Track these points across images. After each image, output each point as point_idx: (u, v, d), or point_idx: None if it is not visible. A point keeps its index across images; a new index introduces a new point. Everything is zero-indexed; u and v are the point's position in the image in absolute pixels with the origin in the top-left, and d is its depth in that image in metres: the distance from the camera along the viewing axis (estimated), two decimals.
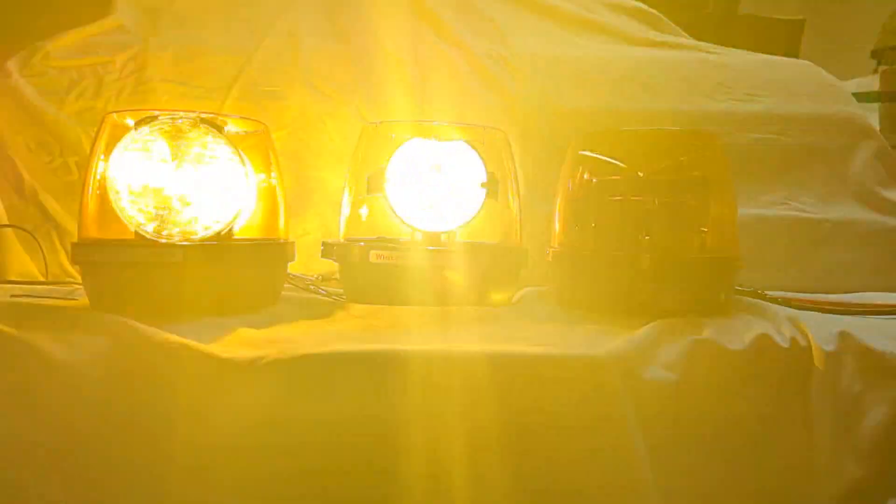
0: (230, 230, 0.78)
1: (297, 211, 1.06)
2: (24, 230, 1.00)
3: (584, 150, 0.88)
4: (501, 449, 0.60)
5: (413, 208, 0.86)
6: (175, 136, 0.76)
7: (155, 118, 0.76)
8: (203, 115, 0.78)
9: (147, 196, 0.75)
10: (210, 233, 0.75)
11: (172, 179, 0.75)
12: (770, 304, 0.83)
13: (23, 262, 1.01)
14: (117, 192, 0.75)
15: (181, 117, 0.77)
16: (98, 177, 0.78)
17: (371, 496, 0.59)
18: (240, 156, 0.78)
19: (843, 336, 0.68)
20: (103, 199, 0.78)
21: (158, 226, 0.75)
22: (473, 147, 0.88)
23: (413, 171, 0.86)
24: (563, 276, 0.87)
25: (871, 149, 1.15)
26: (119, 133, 0.78)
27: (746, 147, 1.13)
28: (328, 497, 0.59)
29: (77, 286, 0.85)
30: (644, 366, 0.64)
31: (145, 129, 0.75)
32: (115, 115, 0.80)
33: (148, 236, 0.74)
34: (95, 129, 0.81)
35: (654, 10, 1.50)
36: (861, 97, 1.51)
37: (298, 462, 0.59)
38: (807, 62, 1.33)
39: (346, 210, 0.93)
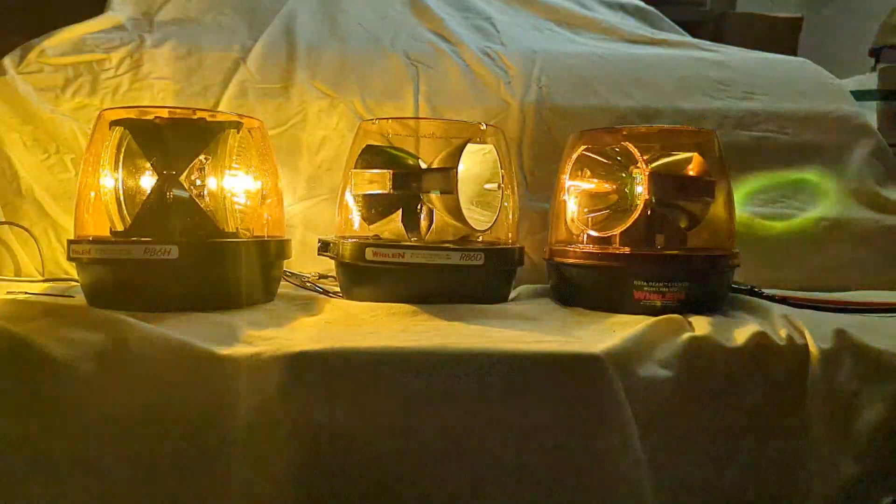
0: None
1: (293, 208, 1.06)
2: (21, 227, 1.00)
3: (581, 147, 0.88)
4: (498, 447, 0.60)
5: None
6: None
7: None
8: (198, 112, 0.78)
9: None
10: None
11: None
12: (766, 301, 0.84)
13: (19, 260, 1.01)
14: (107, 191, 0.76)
15: (177, 115, 0.77)
16: (93, 174, 0.78)
17: (367, 492, 0.59)
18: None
19: (840, 334, 0.68)
20: (99, 196, 0.78)
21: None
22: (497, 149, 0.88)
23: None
24: (560, 273, 0.87)
25: (868, 147, 1.15)
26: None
27: (744, 145, 1.13)
28: (324, 494, 0.59)
29: (74, 283, 0.85)
30: (640, 363, 0.64)
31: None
32: (110, 112, 0.80)
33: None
34: (91, 126, 0.81)
35: (651, 8, 1.50)
36: (859, 95, 1.51)
37: (295, 459, 0.59)
38: (805, 60, 1.33)
39: (342, 207, 0.92)
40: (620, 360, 0.62)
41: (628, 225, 0.81)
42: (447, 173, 0.82)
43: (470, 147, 0.84)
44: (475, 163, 0.87)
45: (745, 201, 1.08)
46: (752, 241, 1.04)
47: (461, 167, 0.82)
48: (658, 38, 1.37)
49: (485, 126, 0.91)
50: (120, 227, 0.77)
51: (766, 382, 0.66)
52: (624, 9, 1.48)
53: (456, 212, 0.82)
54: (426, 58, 1.20)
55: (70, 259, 0.76)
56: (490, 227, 0.86)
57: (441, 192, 0.83)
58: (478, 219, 0.85)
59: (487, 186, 0.88)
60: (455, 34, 1.26)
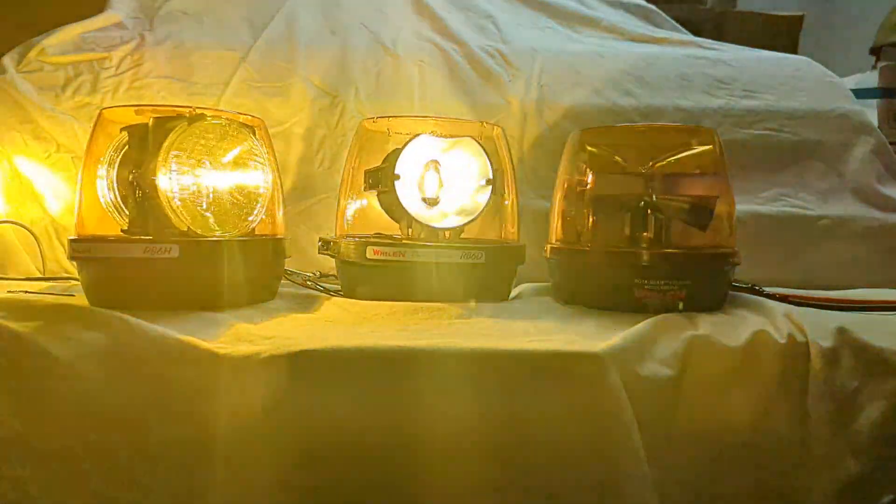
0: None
1: (293, 207, 1.06)
2: (22, 226, 1.00)
3: (582, 145, 0.88)
4: (497, 445, 0.60)
5: (420, 205, 0.85)
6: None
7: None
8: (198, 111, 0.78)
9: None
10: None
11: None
12: (767, 300, 0.83)
13: (20, 259, 1.01)
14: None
15: (178, 113, 0.77)
16: (94, 173, 0.78)
17: (367, 490, 0.59)
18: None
19: (841, 332, 0.68)
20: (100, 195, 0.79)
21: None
22: (480, 143, 0.87)
23: (418, 167, 0.86)
24: (561, 272, 0.87)
25: (869, 145, 1.15)
26: (114, 130, 0.78)
27: (744, 143, 1.13)
28: (324, 492, 0.59)
29: (74, 282, 0.85)
30: (641, 362, 0.64)
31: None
32: (110, 110, 0.80)
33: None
34: (92, 124, 0.81)
35: (651, 6, 1.50)
36: (860, 93, 1.50)
37: (294, 458, 0.59)
38: (805, 58, 1.33)
39: (343, 206, 0.92)
40: (621, 358, 0.62)
41: (588, 227, 0.83)
42: (383, 171, 0.83)
43: (450, 142, 0.85)
44: (460, 158, 0.87)
45: (746, 200, 1.08)
46: (754, 240, 1.04)
47: (455, 162, 0.82)
48: (659, 37, 1.37)
49: (486, 124, 0.91)
50: (125, 226, 0.78)
51: (767, 381, 0.66)
52: (625, 7, 1.48)
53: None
54: (427, 56, 1.20)
55: (71, 258, 0.76)
56: (465, 225, 0.86)
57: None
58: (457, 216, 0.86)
59: (480, 182, 0.88)
60: (456, 32, 1.25)
